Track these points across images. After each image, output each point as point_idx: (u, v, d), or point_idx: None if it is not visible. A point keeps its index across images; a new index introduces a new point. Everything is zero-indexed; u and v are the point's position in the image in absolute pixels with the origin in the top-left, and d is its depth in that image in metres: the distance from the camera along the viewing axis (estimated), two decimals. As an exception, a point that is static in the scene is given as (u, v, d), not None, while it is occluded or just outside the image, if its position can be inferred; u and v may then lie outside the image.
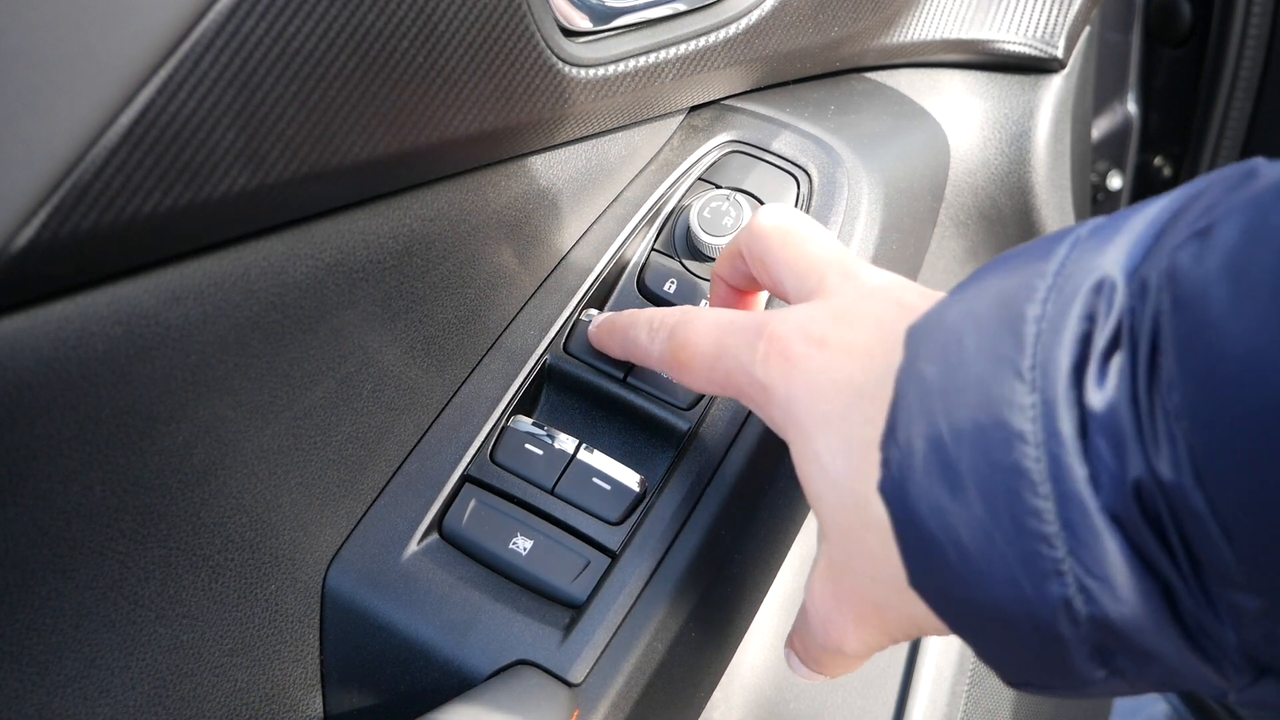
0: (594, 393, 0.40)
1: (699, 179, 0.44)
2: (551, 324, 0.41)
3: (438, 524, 0.38)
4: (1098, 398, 0.22)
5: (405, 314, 0.37)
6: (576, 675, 0.35)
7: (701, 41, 0.42)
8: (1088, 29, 0.57)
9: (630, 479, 0.38)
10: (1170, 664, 0.22)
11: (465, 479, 0.38)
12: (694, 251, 0.42)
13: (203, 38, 0.25)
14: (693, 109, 0.47)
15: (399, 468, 0.38)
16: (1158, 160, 0.96)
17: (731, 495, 0.38)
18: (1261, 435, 0.19)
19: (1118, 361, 0.22)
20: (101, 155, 0.24)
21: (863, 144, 0.46)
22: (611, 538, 0.37)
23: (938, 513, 0.24)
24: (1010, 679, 0.26)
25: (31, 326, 0.25)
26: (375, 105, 0.30)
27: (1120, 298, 0.22)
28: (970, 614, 0.24)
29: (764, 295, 0.40)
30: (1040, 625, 0.23)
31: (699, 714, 0.42)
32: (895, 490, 0.25)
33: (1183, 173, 0.95)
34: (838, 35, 0.47)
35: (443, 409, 0.40)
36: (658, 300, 0.42)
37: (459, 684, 0.35)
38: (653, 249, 0.43)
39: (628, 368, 0.40)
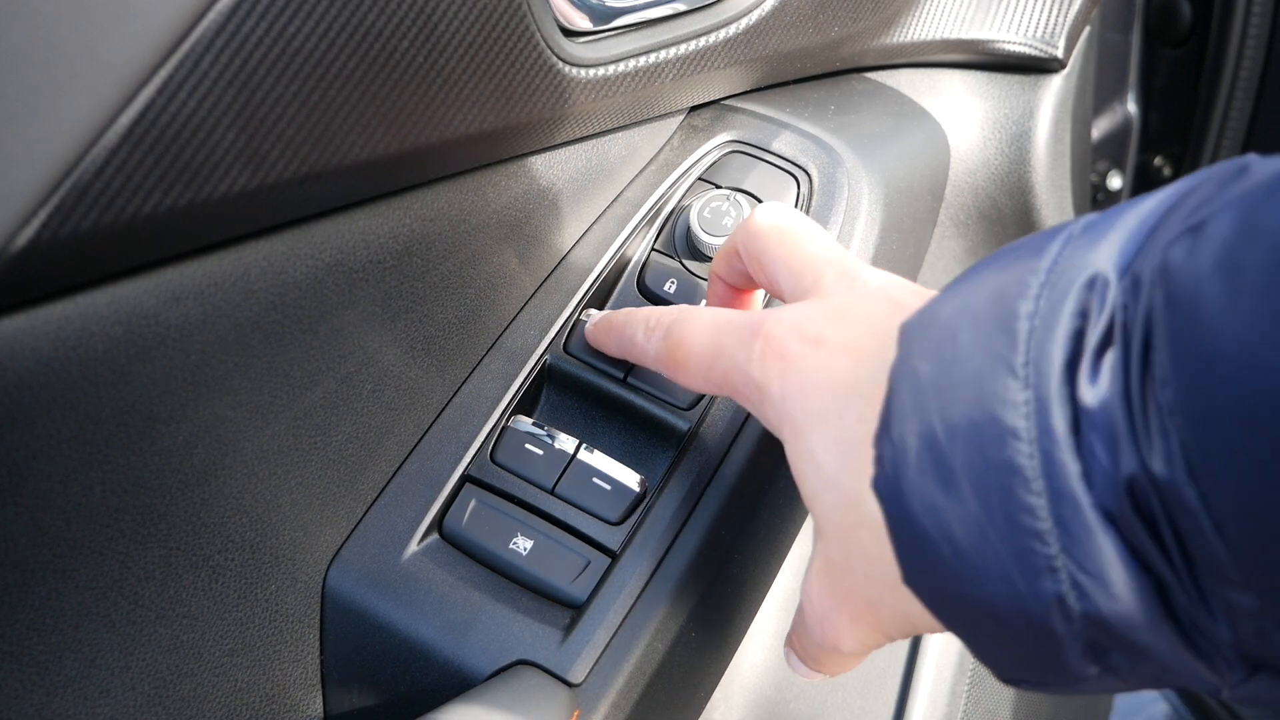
0: (594, 393, 0.40)
1: (699, 179, 0.44)
2: (552, 324, 0.41)
3: (438, 524, 0.38)
4: (1090, 394, 0.22)
5: (405, 314, 0.37)
6: (577, 675, 0.35)
7: (701, 41, 0.42)
8: (1088, 29, 0.57)
9: (630, 479, 0.38)
10: (1164, 660, 0.22)
11: (465, 479, 0.38)
12: (694, 251, 0.42)
13: (203, 38, 0.25)
14: (693, 109, 0.47)
15: (399, 468, 0.38)
16: (1158, 160, 0.96)
17: (731, 495, 0.38)
18: (1254, 431, 0.19)
19: (1110, 358, 0.22)
20: (102, 155, 0.24)
21: (863, 144, 0.46)
22: (612, 538, 0.37)
23: (931, 509, 0.24)
24: (1004, 676, 0.26)
25: (31, 326, 0.25)
26: (375, 105, 0.30)
27: (1113, 294, 0.22)
28: (964, 611, 0.24)
29: (761, 293, 0.40)
30: (1033, 622, 0.23)
31: (699, 714, 0.42)
32: (889, 487, 0.25)
33: (1183, 173, 0.95)
34: (838, 35, 0.47)
35: (443, 409, 0.40)
36: (658, 300, 0.42)
37: (459, 684, 0.35)
38: (653, 249, 0.43)
39: (628, 368, 0.40)
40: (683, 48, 0.41)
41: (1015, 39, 0.54)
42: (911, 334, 0.26)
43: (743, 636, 0.43)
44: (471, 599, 0.36)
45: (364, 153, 0.31)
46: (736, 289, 0.38)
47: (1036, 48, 0.54)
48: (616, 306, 0.42)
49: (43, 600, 0.29)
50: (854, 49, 0.50)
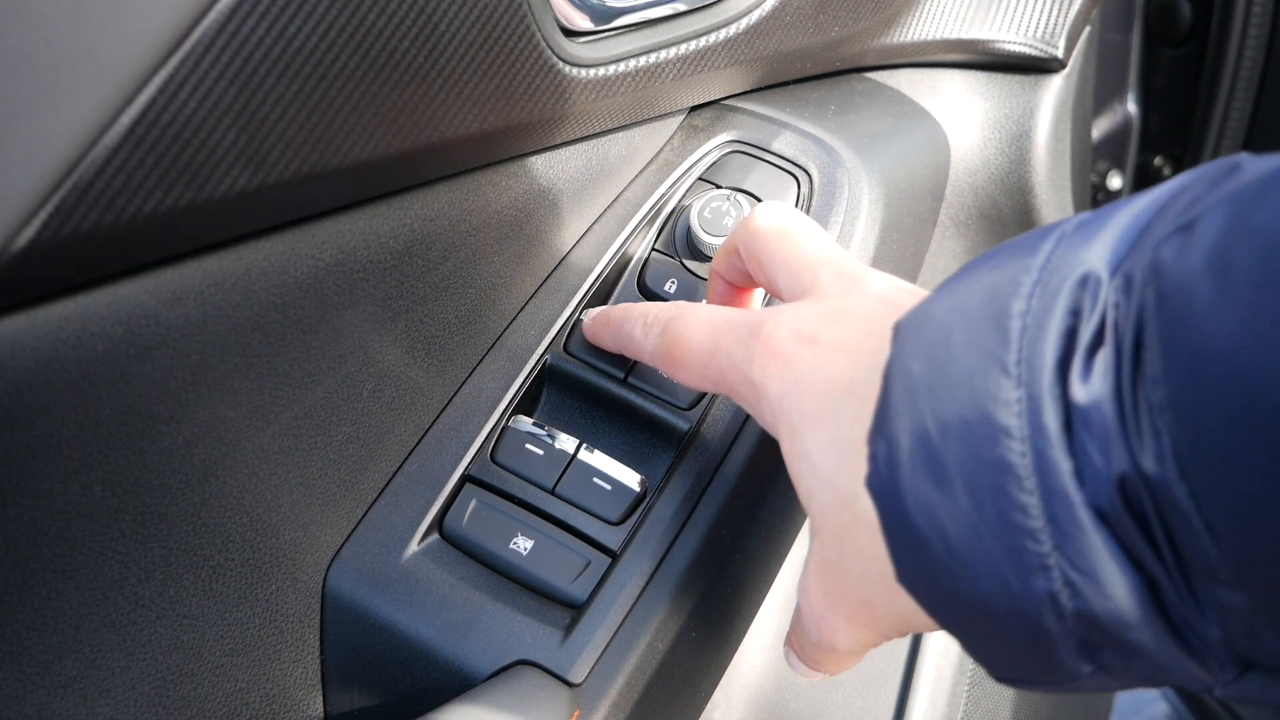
0: (594, 392, 0.40)
1: (699, 179, 0.44)
2: (552, 324, 0.41)
3: (438, 524, 0.38)
4: (1082, 392, 0.22)
5: (406, 314, 0.37)
6: (577, 675, 0.35)
7: (702, 41, 0.42)
8: (1088, 29, 0.57)
9: (631, 479, 0.38)
10: (1156, 659, 0.22)
11: (466, 479, 0.38)
12: (694, 251, 0.42)
13: (203, 38, 0.25)
14: (693, 109, 0.47)
15: (399, 468, 0.38)
16: (1158, 160, 0.96)
17: (732, 495, 0.38)
18: (1244, 430, 0.19)
19: (1102, 356, 0.22)
20: (102, 155, 0.24)
21: (863, 144, 0.46)
22: (612, 538, 0.37)
23: (924, 508, 0.24)
24: (998, 674, 0.26)
25: (31, 326, 0.25)
26: (376, 105, 0.30)
27: (1105, 292, 0.22)
28: (957, 609, 0.24)
29: (761, 292, 0.40)
30: (1026, 620, 0.23)
31: (699, 714, 0.42)
32: (882, 486, 0.25)
33: (1183, 172, 0.95)
34: (838, 35, 0.47)
35: (443, 409, 0.40)
36: (658, 300, 0.42)
37: (459, 684, 0.35)
38: (653, 249, 0.43)
39: (628, 367, 0.40)
40: (683, 48, 0.41)
41: (1015, 39, 0.54)
42: (905, 333, 0.26)
43: (743, 636, 0.43)
44: (472, 599, 0.36)
45: (364, 153, 0.31)
46: (736, 287, 0.38)
47: (1036, 48, 0.54)
48: (616, 306, 0.42)
49: (43, 600, 0.29)
50: (854, 49, 0.50)
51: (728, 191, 0.43)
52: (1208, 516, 0.20)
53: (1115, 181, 0.95)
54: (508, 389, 0.40)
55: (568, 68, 0.36)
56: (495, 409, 0.39)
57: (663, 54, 0.40)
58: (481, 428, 0.39)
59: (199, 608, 0.33)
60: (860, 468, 0.27)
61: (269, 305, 0.31)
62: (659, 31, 0.40)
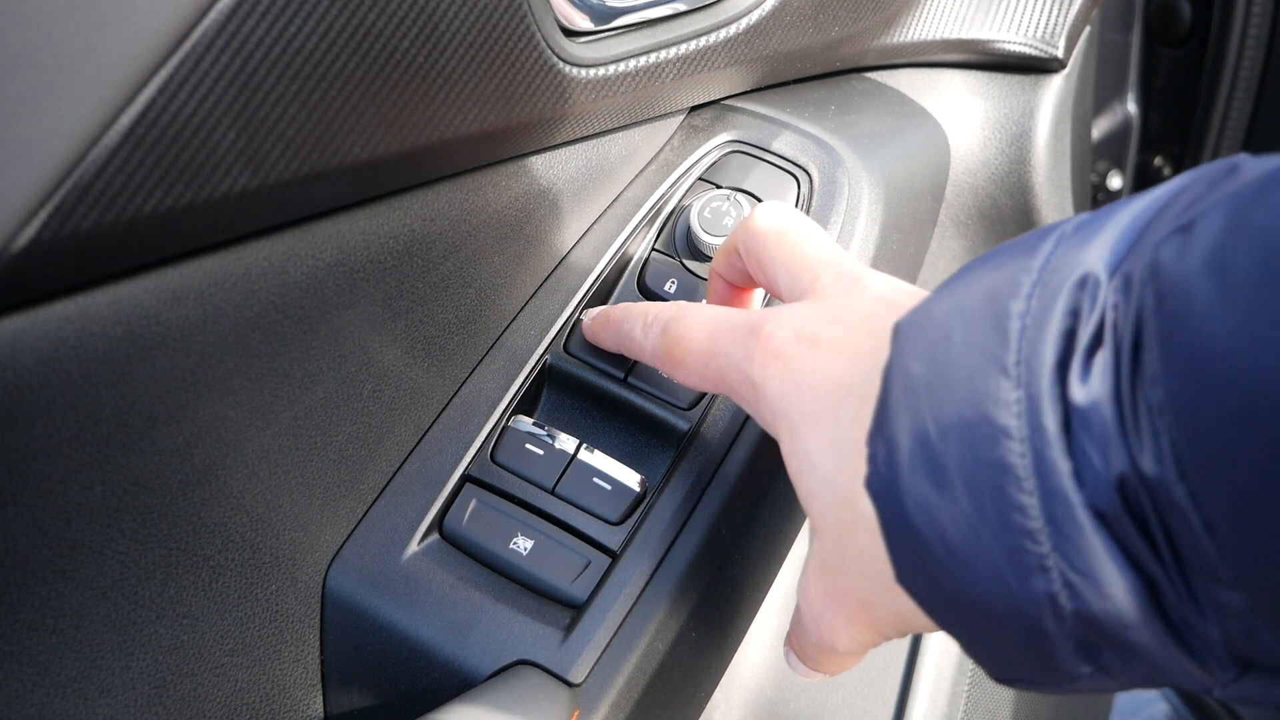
0: (594, 392, 0.40)
1: (699, 179, 0.44)
2: (552, 324, 0.41)
3: (438, 524, 0.38)
4: (1082, 393, 0.22)
5: (406, 314, 0.37)
6: (577, 675, 0.35)
7: (702, 41, 0.42)
8: (1088, 29, 0.57)
9: (631, 479, 0.38)
10: (1156, 660, 0.22)
11: (466, 479, 0.38)
12: (694, 251, 0.42)
13: (203, 38, 0.25)
14: (693, 109, 0.47)
15: (399, 468, 0.38)
16: (1158, 160, 0.96)
17: (732, 495, 0.38)
18: (1243, 430, 0.19)
19: (1102, 357, 0.22)
20: (102, 155, 0.24)
21: (863, 144, 0.46)
22: (612, 538, 0.37)
23: (924, 508, 0.24)
24: (997, 675, 0.26)
25: (31, 326, 0.25)
26: (376, 105, 0.30)
27: (1104, 293, 0.22)
28: (956, 610, 0.24)
29: (761, 291, 0.40)
30: (1025, 621, 0.23)
31: (699, 714, 0.42)
32: (882, 486, 0.25)
33: (1182, 172, 0.95)
34: (838, 35, 0.47)
35: (443, 409, 0.40)
36: (658, 300, 0.42)
37: (459, 684, 0.35)
38: (653, 249, 0.43)
39: (628, 367, 0.40)
40: (683, 48, 0.41)
41: (1015, 39, 0.54)
42: (905, 333, 0.26)
43: (743, 636, 0.43)
44: (472, 599, 0.36)
45: (364, 153, 0.31)
46: (737, 287, 0.38)
47: (1037, 48, 0.54)
48: (616, 306, 0.42)
49: (43, 600, 0.29)
50: (854, 49, 0.50)
51: (728, 191, 0.43)
52: (1207, 517, 0.20)
53: (1115, 181, 0.95)
54: (508, 389, 0.40)
55: (568, 68, 0.36)
56: (495, 409, 0.39)
57: (663, 54, 0.40)
58: (481, 428, 0.39)
59: (199, 608, 0.33)
60: (860, 468, 0.27)
61: (269, 305, 0.31)
62: (659, 31, 0.40)
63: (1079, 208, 0.63)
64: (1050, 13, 0.54)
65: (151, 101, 0.25)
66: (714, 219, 0.42)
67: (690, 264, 0.42)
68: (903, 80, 0.55)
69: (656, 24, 0.40)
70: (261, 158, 0.28)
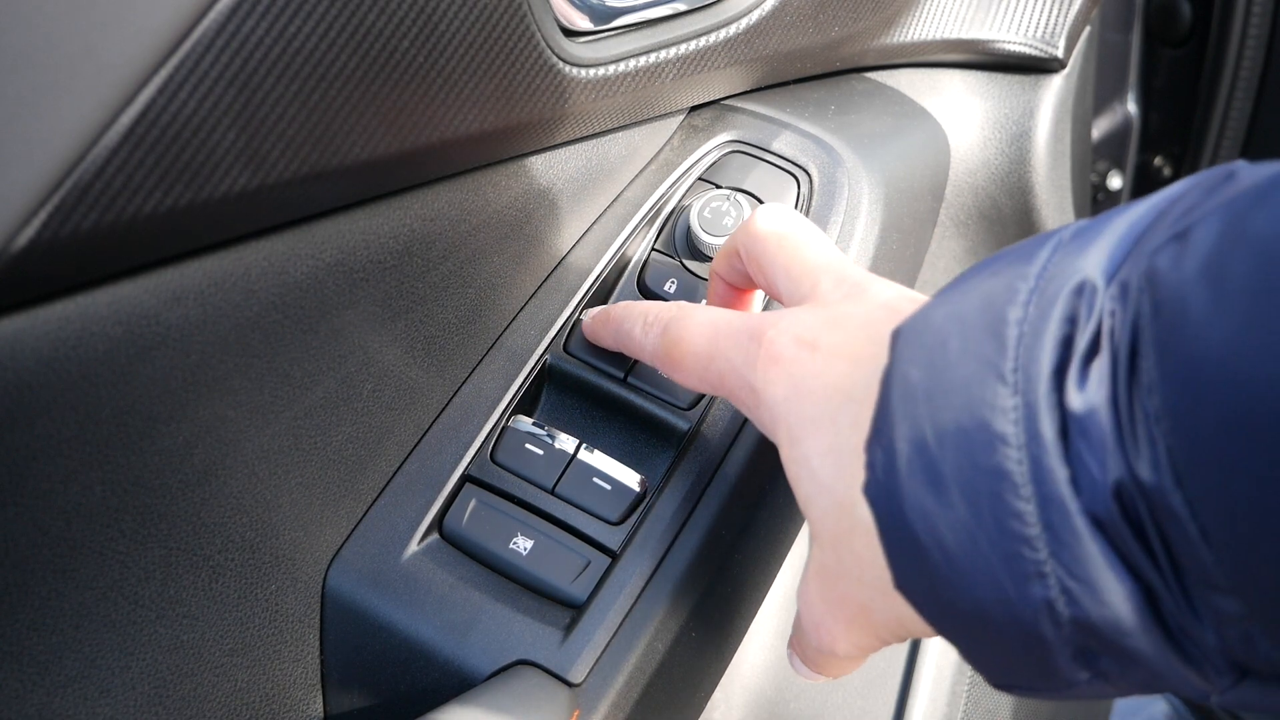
0: (594, 392, 0.40)
1: (699, 179, 0.44)
2: (552, 324, 0.41)
3: (438, 524, 0.38)
4: (1078, 400, 0.22)
5: (406, 314, 0.37)
6: (577, 675, 0.35)
7: (702, 41, 0.42)
8: (1088, 29, 0.57)
9: (630, 479, 0.38)
10: (1153, 666, 0.22)
11: (465, 479, 0.38)
12: (694, 251, 0.42)
13: (203, 38, 0.25)
14: (693, 109, 0.47)
15: (399, 468, 0.38)
16: (1158, 160, 0.96)
17: (732, 495, 0.38)
18: (1239, 438, 0.19)
19: (1098, 364, 0.22)
20: (102, 155, 0.24)
21: (863, 144, 0.46)
22: (612, 538, 0.37)
23: (922, 515, 0.24)
24: (995, 681, 0.26)
25: (31, 326, 0.25)
26: (376, 105, 0.30)
27: (1101, 300, 0.22)
28: (954, 616, 0.24)
29: (761, 293, 0.40)
30: (1023, 627, 0.23)
31: (699, 714, 0.42)
32: (880, 493, 0.25)
33: (1183, 173, 0.95)
34: (838, 35, 0.47)
35: (443, 409, 0.40)
36: (658, 300, 0.42)
37: (459, 684, 0.35)
38: (653, 249, 0.43)
39: (628, 367, 0.40)
40: (683, 48, 0.41)
41: (1015, 39, 0.54)
42: (903, 339, 0.26)
43: (743, 636, 0.43)
44: (471, 599, 0.36)
45: (364, 153, 0.31)
46: (737, 288, 0.38)
47: (1037, 48, 0.54)
48: (616, 306, 0.42)
49: (43, 600, 0.29)
50: (854, 49, 0.50)
51: (728, 191, 0.43)
52: (1203, 524, 0.20)
53: (1115, 181, 0.95)
54: (507, 389, 0.40)
55: (568, 68, 0.36)
56: (495, 409, 0.39)
57: (663, 54, 0.40)
58: (481, 428, 0.39)
59: (199, 608, 0.33)
60: (858, 474, 0.27)
61: (269, 305, 0.31)
62: (659, 31, 0.40)
63: (1079, 208, 0.63)
64: (1050, 13, 0.55)
65: (151, 101, 0.25)
66: (714, 219, 0.42)
67: (690, 264, 0.42)
68: (903, 80, 0.55)
69: (656, 24, 0.40)
70: (261, 158, 0.28)
